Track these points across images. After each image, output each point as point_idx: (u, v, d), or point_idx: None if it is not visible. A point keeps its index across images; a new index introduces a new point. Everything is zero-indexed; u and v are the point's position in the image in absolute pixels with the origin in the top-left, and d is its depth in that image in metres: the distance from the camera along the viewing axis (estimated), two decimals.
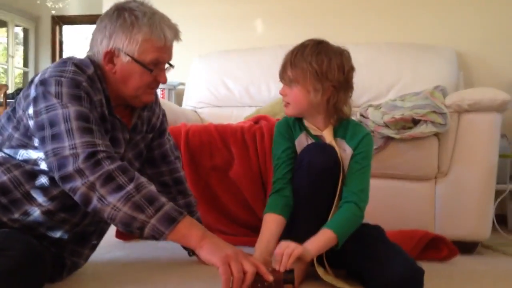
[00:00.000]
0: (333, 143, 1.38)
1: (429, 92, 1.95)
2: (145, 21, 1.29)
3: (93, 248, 1.45)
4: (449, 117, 1.83)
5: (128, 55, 1.29)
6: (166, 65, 1.38)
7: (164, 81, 1.37)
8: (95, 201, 1.13)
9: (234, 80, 2.84)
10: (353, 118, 1.50)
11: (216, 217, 1.97)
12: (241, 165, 1.93)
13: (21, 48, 7.69)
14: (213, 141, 1.98)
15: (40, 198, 1.24)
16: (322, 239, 1.27)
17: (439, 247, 1.74)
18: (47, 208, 1.25)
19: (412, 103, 1.90)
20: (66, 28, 7.67)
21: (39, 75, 1.25)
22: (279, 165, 1.41)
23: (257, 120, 2.18)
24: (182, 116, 2.57)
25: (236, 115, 2.72)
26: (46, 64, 7.01)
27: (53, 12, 7.07)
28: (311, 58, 1.32)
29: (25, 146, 1.25)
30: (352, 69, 1.37)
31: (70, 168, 1.14)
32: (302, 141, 1.42)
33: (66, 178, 1.14)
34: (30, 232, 1.24)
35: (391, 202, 1.94)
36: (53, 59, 7.24)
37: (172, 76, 2.62)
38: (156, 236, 1.14)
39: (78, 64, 1.26)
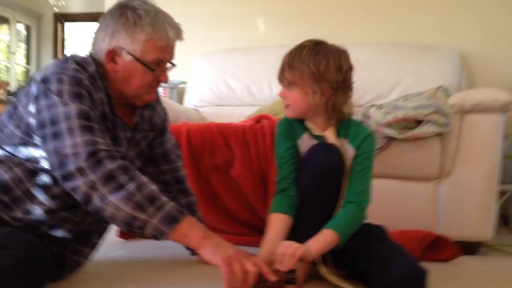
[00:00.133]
0: (336, 143, 1.37)
1: (431, 93, 1.95)
2: (148, 20, 1.28)
3: (94, 246, 1.44)
4: (452, 118, 1.83)
5: (130, 54, 1.29)
6: (168, 64, 1.37)
7: (166, 81, 1.37)
8: (96, 200, 1.13)
9: (235, 79, 2.84)
10: (355, 118, 1.49)
11: (217, 216, 1.97)
12: (242, 164, 1.93)
13: (23, 46, 7.69)
14: (214, 140, 1.97)
15: (41, 196, 1.24)
16: (323, 240, 1.27)
17: (441, 248, 1.74)
18: (48, 206, 1.24)
19: (415, 103, 1.89)
20: (68, 26, 7.68)
21: (40, 73, 1.25)
22: (282, 164, 1.41)
23: (258, 119, 2.18)
24: (184, 114, 2.57)
25: (237, 114, 2.71)
26: (48, 61, 7.01)
27: (56, 9, 7.07)
28: (309, 59, 1.32)
29: (26, 144, 1.24)
30: (350, 69, 1.37)
31: (71, 166, 1.13)
32: (305, 141, 1.41)
33: (67, 177, 1.14)
34: (32, 231, 1.23)
35: (393, 203, 1.93)
36: (55, 56, 7.26)
37: (173, 74, 2.62)
38: (157, 235, 1.14)
39: (79, 62, 1.26)
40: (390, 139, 1.89)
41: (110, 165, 1.15)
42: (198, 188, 1.92)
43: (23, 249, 1.10)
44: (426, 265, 1.28)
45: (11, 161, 1.24)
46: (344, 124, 1.41)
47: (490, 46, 2.75)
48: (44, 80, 1.21)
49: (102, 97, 1.29)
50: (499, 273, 1.65)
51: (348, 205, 1.33)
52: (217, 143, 1.97)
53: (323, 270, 1.31)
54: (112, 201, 1.12)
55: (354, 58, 1.40)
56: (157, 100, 1.55)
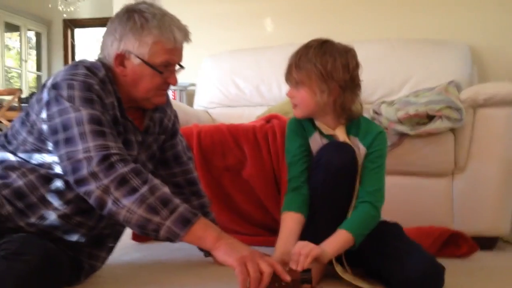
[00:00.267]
0: (347, 142, 1.36)
1: (443, 88, 1.92)
2: (155, 23, 1.28)
3: (110, 250, 1.45)
4: (464, 112, 1.81)
5: (138, 57, 1.29)
6: (177, 67, 1.37)
7: (175, 83, 1.37)
8: (109, 204, 1.13)
9: (244, 79, 2.84)
10: (366, 115, 1.48)
11: (230, 217, 1.96)
12: (254, 165, 1.93)
13: (34, 52, 7.77)
14: (225, 141, 1.97)
15: (55, 202, 1.25)
16: (339, 241, 1.26)
17: (458, 244, 1.72)
18: (63, 211, 1.25)
19: (426, 99, 1.88)
20: (77, 32, 7.75)
21: (51, 79, 1.26)
22: (294, 162, 1.40)
23: (268, 119, 2.17)
24: (194, 116, 2.57)
25: (247, 115, 2.71)
26: (59, 67, 7.08)
27: (65, 15, 7.14)
28: (316, 59, 1.31)
29: (40, 150, 1.25)
30: (357, 66, 1.35)
31: (84, 171, 1.14)
32: (316, 140, 1.40)
33: (81, 182, 1.15)
34: (47, 236, 1.24)
35: (408, 199, 1.92)
36: (66, 62, 7.33)
37: (182, 77, 2.62)
38: (171, 238, 1.14)
39: (89, 67, 1.27)
40: (403, 136, 1.87)
41: (122, 169, 1.15)
42: (210, 190, 1.92)
43: (39, 255, 1.11)
44: (443, 261, 1.27)
45: (24, 167, 1.25)
46: (354, 122, 1.40)
47: (501, 39, 2.71)
48: (55, 86, 1.22)
49: (112, 101, 1.29)
50: None
51: (362, 205, 1.32)
52: (228, 144, 1.97)
53: (339, 269, 1.30)
54: (126, 205, 1.13)
55: (364, 55, 1.39)
56: (167, 102, 1.55)
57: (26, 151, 1.27)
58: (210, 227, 1.18)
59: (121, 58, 1.30)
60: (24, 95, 5.56)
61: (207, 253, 1.57)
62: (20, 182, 1.23)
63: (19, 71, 7.38)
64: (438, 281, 1.23)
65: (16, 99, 4.69)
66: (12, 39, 7.67)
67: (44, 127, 1.22)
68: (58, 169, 1.23)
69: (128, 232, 1.71)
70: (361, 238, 1.29)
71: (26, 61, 7.36)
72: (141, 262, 1.66)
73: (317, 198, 1.35)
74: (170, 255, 1.74)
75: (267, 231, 1.89)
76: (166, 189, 1.18)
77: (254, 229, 1.94)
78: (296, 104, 1.38)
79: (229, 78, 2.87)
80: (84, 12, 7.29)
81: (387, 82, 2.53)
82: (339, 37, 1.39)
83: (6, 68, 7.18)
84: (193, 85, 3.11)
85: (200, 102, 2.96)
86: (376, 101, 2.27)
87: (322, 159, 1.33)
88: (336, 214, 1.33)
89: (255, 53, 2.89)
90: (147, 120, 1.43)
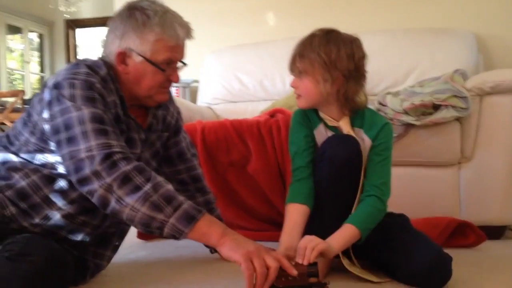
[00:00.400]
0: (351, 133, 1.35)
1: (448, 77, 1.91)
2: (156, 20, 1.27)
3: (115, 249, 1.44)
4: (471, 101, 1.79)
5: (140, 55, 1.28)
6: (179, 64, 1.36)
7: (177, 81, 1.36)
8: (113, 203, 1.12)
9: (247, 74, 2.83)
10: (371, 106, 1.47)
11: (236, 213, 1.96)
12: (259, 160, 1.92)
13: (36, 54, 7.79)
14: (229, 137, 1.96)
15: (59, 201, 1.24)
16: (345, 235, 1.25)
17: (465, 234, 1.71)
18: (67, 211, 1.25)
19: (432, 88, 1.86)
20: (79, 32, 7.75)
21: (52, 78, 1.25)
22: (299, 152, 1.38)
23: (273, 113, 2.16)
24: (198, 113, 2.57)
25: (251, 110, 2.71)
26: (62, 68, 7.08)
27: (66, 16, 7.14)
28: (320, 48, 1.29)
29: (42, 150, 1.25)
30: (363, 57, 1.34)
31: (86, 170, 1.13)
32: (321, 133, 1.39)
33: (83, 181, 1.14)
34: (51, 236, 1.24)
35: (414, 190, 1.91)
36: (68, 63, 7.33)
37: (185, 73, 2.61)
38: (176, 235, 1.13)
39: (90, 66, 1.26)
40: (408, 126, 1.86)
41: (125, 167, 1.14)
42: (215, 186, 1.91)
43: (43, 255, 1.10)
44: (450, 251, 1.27)
45: (27, 168, 1.25)
46: (359, 114, 1.38)
47: (506, 27, 2.68)
48: (56, 86, 1.21)
49: (114, 99, 1.28)
50: None
51: (368, 198, 1.30)
52: (232, 140, 1.97)
53: (346, 262, 1.29)
54: (129, 203, 1.12)
55: (368, 46, 1.37)
56: (170, 100, 1.54)
57: (28, 152, 1.26)
58: (215, 223, 1.17)
59: (122, 56, 1.29)
60: (27, 97, 5.58)
61: (213, 250, 1.57)
62: (23, 183, 1.23)
63: (22, 73, 7.40)
64: (445, 272, 1.22)
65: (20, 101, 4.71)
66: (14, 41, 7.69)
67: (46, 127, 1.22)
68: (61, 169, 1.23)
69: (133, 231, 1.70)
70: (368, 232, 1.28)
71: (29, 62, 7.38)
72: (147, 260, 1.65)
73: (322, 191, 1.33)
74: (176, 252, 1.74)
75: (273, 225, 1.88)
76: (169, 186, 1.17)
77: (260, 224, 1.94)
78: (300, 94, 1.37)
79: (232, 74, 2.86)
80: (85, 12, 7.30)
81: (392, 73, 2.51)
82: (341, 29, 1.37)
83: (9, 70, 7.21)
84: (196, 81, 3.10)
85: (204, 99, 2.96)
86: (381, 92, 2.25)
87: (326, 152, 1.32)
88: (342, 208, 1.32)
89: (258, 48, 2.88)
90: (150, 118, 1.42)
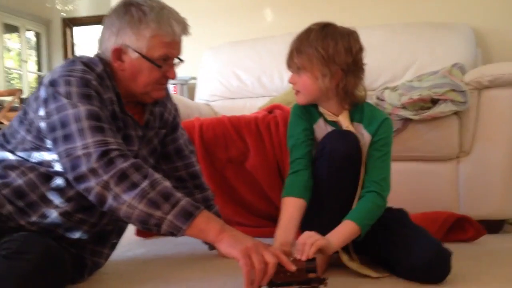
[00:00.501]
0: (351, 128, 1.34)
1: (447, 71, 1.90)
2: (152, 16, 1.26)
3: (113, 247, 1.44)
4: (469, 95, 1.78)
5: (136, 51, 1.27)
6: (176, 60, 1.35)
7: (173, 77, 1.35)
8: (110, 200, 1.12)
9: (245, 71, 2.82)
10: (369, 101, 1.46)
11: (234, 210, 1.96)
12: (257, 156, 1.91)
13: (34, 53, 7.77)
14: (227, 133, 1.96)
15: (56, 199, 1.24)
16: (344, 232, 1.24)
17: (464, 228, 1.71)
18: (64, 209, 1.24)
19: (430, 83, 1.85)
20: (77, 30, 7.74)
21: (48, 76, 1.24)
22: (297, 145, 1.36)
23: (271, 109, 2.16)
24: (196, 110, 2.56)
25: (249, 106, 2.70)
26: None
27: (63, 14, 7.13)
28: (317, 42, 1.28)
29: (38, 148, 1.24)
30: (361, 50, 1.33)
31: (83, 168, 1.12)
32: (321, 127, 1.38)
33: (80, 179, 1.13)
34: (49, 234, 1.23)
35: (413, 185, 1.90)
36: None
37: (183, 70, 2.60)
38: (173, 232, 1.12)
39: (86, 63, 1.25)
40: (407, 121, 1.85)
41: (122, 164, 1.13)
42: (213, 183, 1.91)
43: (40, 253, 1.10)
44: (449, 246, 1.27)
45: (24, 166, 1.24)
46: (358, 108, 1.37)
47: (505, 20, 2.67)
48: (52, 83, 1.20)
49: (111, 96, 1.28)
50: None
51: (368, 194, 1.30)
52: (230, 136, 1.96)
53: (345, 258, 1.29)
54: (126, 200, 1.11)
55: (366, 41, 1.36)
56: (167, 96, 1.53)
57: (25, 150, 1.25)
58: (213, 219, 1.16)
59: (118, 52, 1.29)
60: (25, 95, 5.57)
61: (211, 247, 1.56)
62: (20, 181, 1.22)
63: (20, 72, 7.39)
64: (445, 267, 1.22)
65: (17, 100, 4.70)
66: (11, 40, 7.67)
67: (42, 124, 1.21)
68: (58, 167, 1.22)
69: (131, 228, 1.70)
70: (367, 228, 1.27)
71: (26, 61, 7.36)
72: (145, 257, 1.65)
73: (322, 187, 1.32)
74: (174, 249, 1.74)
75: (272, 221, 1.87)
76: (167, 183, 1.17)
77: (259, 221, 1.93)
78: (299, 90, 1.36)
79: (230, 70, 2.85)
80: (82, 10, 7.29)
81: (390, 68, 2.50)
82: (340, 24, 1.36)
83: (6, 69, 7.19)
84: (194, 78, 3.10)
85: (202, 96, 2.95)
86: (379, 87, 2.25)
87: (326, 148, 1.31)
88: (341, 203, 1.31)
89: (256, 44, 2.87)
90: (147, 115, 1.41)
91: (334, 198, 1.32)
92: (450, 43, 2.45)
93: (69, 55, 7.46)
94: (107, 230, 1.38)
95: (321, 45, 1.28)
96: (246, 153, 1.95)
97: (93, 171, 1.12)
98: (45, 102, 1.20)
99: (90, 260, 1.34)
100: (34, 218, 1.23)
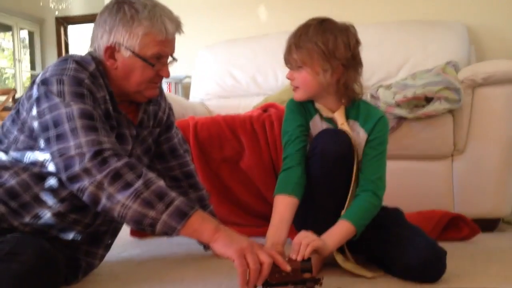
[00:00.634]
0: (345, 125, 1.33)
1: (440, 68, 1.90)
2: (145, 14, 1.25)
3: (108, 247, 1.43)
4: (463, 93, 1.79)
5: (129, 49, 1.26)
6: (170, 59, 1.34)
7: (167, 76, 1.34)
8: (104, 200, 1.11)
9: (240, 69, 2.81)
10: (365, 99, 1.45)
11: (230, 209, 1.95)
12: (252, 155, 1.91)
13: (27, 52, 7.73)
14: (222, 132, 1.95)
15: (50, 200, 1.23)
16: (340, 232, 1.24)
17: (459, 226, 1.71)
18: (57, 210, 1.23)
19: (424, 81, 1.85)
20: (70, 29, 7.70)
21: (40, 75, 1.23)
22: (291, 141, 1.34)
23: (265, 108, 2.15)
24: (190, 109, 2.55)
25: (244, 105, 2.69)
26: None
27: (57, 13, 7.09)
28: (316, 37, 1.27)
29: (31, 148, 1.23)
30: (358, 43, 1.32)
31: (76, 168, 1.11)
32: (317, 124, 1.37)
33: (73, 179, 1.12)
34: (42, 235, 1.23)
35: (407, 184, 1.90)
36: None
37: (178, 69, 2.59)
38: (168, 232, 1.11)
39: (79, 61, 1.24)
40: (401, 119, 1.85)
41: (116, 164, 1.13)
42: (208, 182, 1.90)
43: (34, 255, 1.09)
44: (444, 244, 1.27)
45: (17, 166, 1.23)
46: (355, 105, 1.36)
47: (498, 18, 2.68)
48: (44, 82, 1.19)
49: (104, 95, 1.27)
50: None
51: (363, 193, 1.29)
52: (225, 135, 1.95)
53: (339, 258, 1.29)
54: (120, 200, 1.10)
55: (360, 39, 1.35)
56: (161, 95, 1.53)
57: (18, 150, 1.24)
58: (207, 219, 1.15)
59: (111, 50, 1.28)
60: (18, 95, 5.54)
61: (207, 247, 1.56)
62: (12, 182, 1.21)
63: (13, 71, 7.34)
64: (439, 267, 1.22)
65: (11, 99, 4.67)
66: (5, 39, 7.63)
67: (35, 124, 1.20)
68: (51, 167, 1.21)
69: (126, 229, 1.69)
70: (363, 228, 1.27)
71: (20, 60, 7.32)
72: (140, 258, 1.64)
73: (315, 187, 1.32)
74: (169, 250, 1.73)
75: (267, 221, 1.85)
76: (161, 183, 1.16)
77: (254, 220, 1.93)
78: (297, 86, 1.34)
79: (224, 69, 2.84)
80: (75, 9, 7.25)
81: (384, 66, 2.50)
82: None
83: (0, 68, 7.14)
84: (189, 77, 3.09)
85: (196, 94, 2.94)
86: (374, 85, 2.24)
87: (317, 148, 1.30)
88: (335, 202, 1.31)
89: (250, 43, 2.86)
90: (141, 113, 1.40)
91: (327, 197, 1.32)
92: (443, 40, 2.46)
93: (63, 54, 7.42)
94: (101, 231, 1.37)
95: (321, 40, 1.27)
96: (241, 152, 1.95)
97: (86, 171, 1.11)
98: (38, 101, 1.19)
99: (84, 261, 1.33)
100: (27, 219, 1.22)
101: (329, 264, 1.33)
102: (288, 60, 1.34)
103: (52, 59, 7.46)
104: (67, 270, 1.26)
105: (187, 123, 2.00)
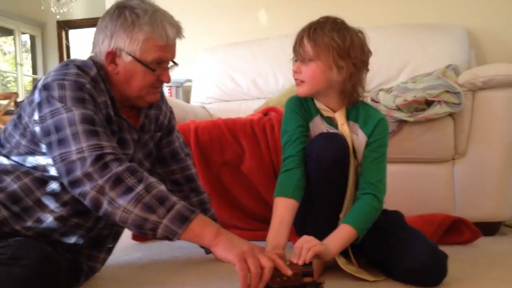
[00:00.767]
0: (345, 126, 1.33)
1: (441, 72, 1.90)
2: (146, 20, 1.26)
3: (109, 251, 1.43)
4: (463, 96, 1.79)
5: (129, 55, 1.27)
6: (170, 64, 1.35)
7: (168, 81, 1.34)
8: (105, 205, 1.11)
9: (240, 73, 2.82)
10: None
11: (231, 213, 1.95)
12: (253, 159, 1.91)
13: (29, 56, 7.74)
14: (222, 136, 1.96)
15: (51, 204, 1.23)
16: (342, 236, 1.23)
17: (460, 230, 1.71)
18: (59, 214, 1.23)
19: (424, 84, 1.86)
20: (72, 33, 7.71)
21: (42, 80, 1.24)
22: (291, 141, 1.33)
23: (266, 111, 2.16)
24: (191, 113, 2.56)
25: (244, 108, 2.70)
26: None
27: (58, 17, 7.10)
28: (333, 33, 1.26)
29: (33, 152, 1.23)
30: (369, 51, 1.32)
31: (78, 172, 1.12)
32: (317, 125, 1.36)
33: (75, 183, 1.13)
34: (44, 239, 1.23)
35: (409, 187, 1.90)
36: None
37: (178, 73, 2.59)
38: (169, 236, 1.12)
39: (80, 66, 1.24)
40: (401, 123, 1.85)
41: (117, 168, 1.13)
42: (209, 186, 1.91)
43: (36, 259, 1.09)
44: (445, 248, 1.26)
45: (19, 170, 1.23)
46: (355, 107, 1.35)
47: (498, 21, 2.69)
48: (46, 87, 1.20)
49: (105, 100, 1.27)
50: None
51: (364, 196, 1.29)
52: (226, 139, 1.96)
53: (341, 261, 1.29)
54: (122, 205, 1.11)
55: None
56: (162, 99, 1.53)
57: (19, 154, 1.25)
58: (208, 223, 1.16)
59: (112, 55, 1.28)
60: (20, 99, 5.55)
61: (208, 251, 1.56)
62: (14, 186, 1.21)
63: (15, 75, 7.36)
64: (441, 270, 1.22)
65: (13, 103, 4.68)
66: (6, 43, 7.64)
67: (37, 129, 1.20)
68: (53, 171, 1.21)
69: (127, 232, 1.69)
70: (364, 231, 1.26)
71: (21, 64, 7.33)
72: (141, 262, 1.64)
73: (312, 191, 1.31)
74: (170, 254, 1.73)
75: (268, 224, 1.87)
76: (162, 187, 1.16)
77: (255, 224, 1.93)
78: (303, 81, 1.32)
79: (225, 72, 2.85)
80: (77, 13, 7.26)
81: (384, 70, 2.51)
82: None
83: (1, 72, 7.16)
84: (190, 81, 3.09)
85: (197, 98, 2.94)
86: (374, 89, 2.25)
87: (313, 154, 1.29)
88: (334, 206, 1.31)
89: (250, 46, 2.87)
90: (142, 118, 1.41)
91: (324, 202, 1.32)
92: (443, 44, 2.46)
93: (65, 58, 7.43)
94: (103, 235, 1.38)
95: (337, 36, 1.26)
96: (242, 155, 1.95)
97: (88, 176, 1.12)
98: (39, 106, 1.19)
99: (86, 265, 1.34)
100: (29, 223, 1.22)
101: (330, 268, 1.33)
102: (299, 52, 1.31)
103: (53, 63, 7.47)
104: (69, 273, 1.26)
105: (188, 127, 2.00)
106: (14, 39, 7.27)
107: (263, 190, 1.91)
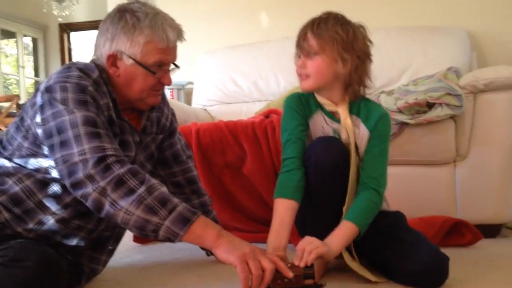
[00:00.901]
0: (348, 120, 1.32)
1: (442, 74, 1.90)
2: (147, 23, 1.26)
3: (111, 253, 1.43)
4: (465, 99, 1.79)
5: (130, 57, 1.27)
6: (171, 66, 1.35)
7: (169, 83, 1.35)
8: (107, 207, 1.12)
9: (242, 75, 2.82)
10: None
11: (232, 215, 1.95)
12: (254, 161, 1.91)
13: (31, 58, 7.76)
14: (224, 138, 1.96)
15: (53, 206, 1.23)
16: (344, 234, 1.23)
17: (462, 232, 1.71)
18: (61, 216, 1.24)
19: (426, 87, 1.86)
20: (74, 35, 7.74)
21: (44, 82, 1.24)
22: (292, 141, 1.33)
23: (267, 114, 2.16)
24: (192, 115, 2.56)
25: (246, 111, 2.70)
26: None
27: (60, 20, 7.13)
28: (336, 27, 1.28)
29: (35, 154, 1.24)
30: (371, 42, 1.34)
31: (80, 174, 1.12)
32: (318, 122, 1.36)
33: (77, 185, 1.13)
34: (46, 241, 1.23)
35: (410, 189, 1.90)
36: None
37: (180, 75, 2.59)
38: (171, 238, 1.12)
39: (82, 69, 1.25)
40: (403, 125, 1.85)
41: (119, 170, 1.13)
42: (211, 188, 1.91)
43: (37, 260, 1.09)
44: (447, 250, 1.26)
45: (20, 173, 1.24)
46: (357, 102, 1.35)
47: (500, 24, 2.69)
48: (48, 90, 1.20)
49: (107, 102, 1.28)
50: None
51: (365, 191, 1.29)
52: (227, 141, 1.96)
53: (347, 256, 1.27)
54: (123, 206, 1.11)
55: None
56: (164, 101, 1.53)
57: (21, 156, 1.25)
58: (210, 225, 1.16)
59: (113, 58, 1.29)
60: (22, 101, 5.56)
61: (209, 252, 1.56)
62: (16, 188, 1.22)
63: (17, 78, 7.38)
64: (442, 272, 1.21)
65: (15, 105, 4.69)
66: (8, 45, 7.67)
67: (39, 131, 1.21)
68: (54, 174, 1.22)
69: (129, 234, 1.70)
70: (366, 227, 1.26)
71: (23, 67, 7.35)
72: (143, 264, 1.64)
73: (311, 195, 1.31)
74: (172, 255, 1.73)
75: (269, 227, 1.87)
76: (164, 189, 1.17)
77: (256, 226, 1.93)
78: (308, 75, 1.31)
79: (226, 75, 2.86)
80: (79, 15, 7.29)
81: (386, 72, 2.51)
82: None
83: (3, 75, 7.18)
84: (191, 83, 3.10)
85: (198, 100, 2.95)
86: (375, 91, 2.24)
87: (311, 159, 1.29)
88: (333, 209, 1.30)
89: (252, 48, 2.87)
90: (144, 120, 1.41)
91: (324, 205, 1.32)
92: (445, 46, 2.46)
93: (66, 60, 7.45)
94: (105, 237, 1.38)
95: (341, 29, 1.28)
96: (243, 158, 1.95)
97: (90, 177, 1.12)
98: (42, 108, 1.20)
99: (88, 267, 1.34)
100: (31, 225, 1.22)
101: (332, 269, 1.33)
102: (303, 46, 1.31)
103: (55, 65, 7.49)
104: (71, 275, 1.26)
105: (189, 129, 2.01)
106: (16, 41, 7.29)
107: (265, 192, 1.92)
